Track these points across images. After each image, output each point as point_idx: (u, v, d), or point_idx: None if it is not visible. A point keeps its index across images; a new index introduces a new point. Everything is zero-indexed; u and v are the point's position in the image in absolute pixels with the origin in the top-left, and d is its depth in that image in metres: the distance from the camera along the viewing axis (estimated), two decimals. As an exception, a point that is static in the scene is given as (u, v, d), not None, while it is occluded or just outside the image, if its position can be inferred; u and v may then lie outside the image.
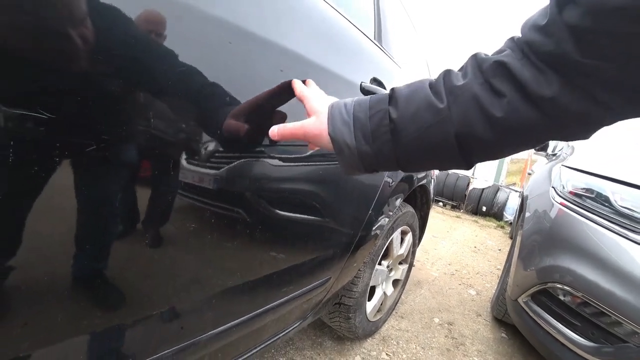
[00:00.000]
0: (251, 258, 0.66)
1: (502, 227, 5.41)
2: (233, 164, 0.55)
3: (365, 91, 0.84)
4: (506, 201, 5.86)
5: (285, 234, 0.74)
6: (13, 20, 0.29)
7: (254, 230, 0.63)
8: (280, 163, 0.64)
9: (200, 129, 0.48)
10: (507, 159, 9.82)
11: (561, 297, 1.28)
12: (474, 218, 5.78)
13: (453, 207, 6.36)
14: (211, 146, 0.50)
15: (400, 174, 1.21)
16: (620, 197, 1.22)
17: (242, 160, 0.57)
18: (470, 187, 6.32)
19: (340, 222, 0.92)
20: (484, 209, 5.98)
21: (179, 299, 0.54)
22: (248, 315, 0.68)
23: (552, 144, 2.79)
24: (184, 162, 0.47)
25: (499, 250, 3.81)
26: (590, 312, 1.18)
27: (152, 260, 0.48)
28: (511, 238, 4.47)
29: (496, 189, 6.10)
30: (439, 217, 5.22)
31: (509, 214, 5.69)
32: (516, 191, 6.13)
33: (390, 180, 1.12)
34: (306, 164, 0.72)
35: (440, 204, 6.41)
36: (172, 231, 0.49)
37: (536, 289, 1.36)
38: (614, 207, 1.22)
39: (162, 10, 0.40)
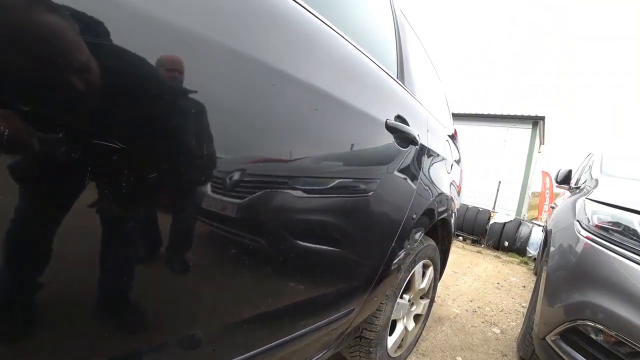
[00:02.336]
0: (281, 286, 0.69)
1: (526, 263, 5.20)
2: (263, 194, 0.58)
3: (390, 128, 0.89)
4: (529, 236, 5.68)
5: (312, 264, 0.77)
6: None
7: (284, 260, 0.66)
8: (305, 195, 0.68)
9: (225, 161, 0.52)
10: (529, 192, 9.61)
11: (593, 336, 1.22)
12: (496, 253, 5.60)
13: (473, 242, 6.19)
14: (236, 176, 0.54)
15: (423, 207, 1.22)
16: (649, 230, 1.20)
17: (271, 190, 0.60)
18: (491, 221, 6.17)
19: (364, 254, 0.94)
20: (506, 244, 5.79)
21: (209, 323, 0.57)
22: (278, 341, 0.69)
23: (574, 176, 2.75)
24: (209, 190, 0.50)
25: (524, 287, 3.66)
26: (625, 352, 1.12)
27: (180, 286, 0.51)
28: (536, 274, 4.29)
29: (518, 223, 5.93)
30: (459, 252, 5.09)
31: (533, 249, 5.48)
32: (539, 225, 5.94)
33: (413, 214, 1.14)
34: (331, 196, 0.76)
35: (460, 238, 6.25)
36: (197, 258, 0.52)
37: (565, 326, 1.30)
38: (642, 241, 1.19)
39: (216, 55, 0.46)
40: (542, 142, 10.82)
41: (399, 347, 1.49)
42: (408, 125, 1.02)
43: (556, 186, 3.25)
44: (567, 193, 2.80)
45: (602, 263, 1.25)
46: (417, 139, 1.07)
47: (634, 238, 1.22)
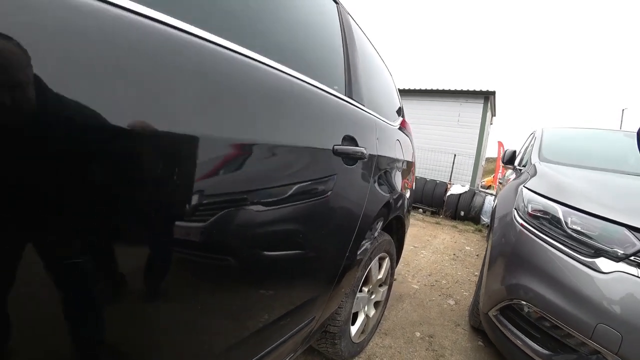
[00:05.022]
0: (244, 309, 0.75)
1: (480, 230, 5.63)
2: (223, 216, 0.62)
3: (338, 153, 0.94)
4: (482, 205, 6.11)
5: (271, 284, 0.83)
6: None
7: (249, 282, 0.72)
8: (260, 221, 0.73)
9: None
10: (482, 162, 10.18)
11: (524, 312, 1.42)
12: (453, 223, 5.99)
13: (433, 214, 6.57)
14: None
15: (377, 207, 1.31)
16: (570, 220, 1.37)
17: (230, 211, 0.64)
18: (448, 193, 6.55)
19: (324, 265, 1.02)
20: (462, 213, 6.21)
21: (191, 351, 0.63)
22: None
23: (518, 156, 2.99)
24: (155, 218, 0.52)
25: (477, 255, 3.99)
26: (547, 325, 1.32)
27: (142, 323, 0.54)
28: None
29: (472, 194, 6.35)
30: (419, 224, 5.39)
31: (486, 217, 5.92)
32: (492, 194, 6.39)
33: (365, 222, 1.23)
34: (284, 228, 0.80)
35: (420, 210, 6.60)
36: (156, 290, 0.54)
37: (504, 304, 1.49)
38: (564, 230, 1.37)
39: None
40: (493, 114, 11.39)
41: (362, 332, 1.63)
42: (356, 142, 1.08)
43: (502, 166, 3.50)
44: (512, 172, 3.04)
45: (532, 249, 1.43)
46: (365, 154, 1.12)
47: (558, 227, 1.39)
